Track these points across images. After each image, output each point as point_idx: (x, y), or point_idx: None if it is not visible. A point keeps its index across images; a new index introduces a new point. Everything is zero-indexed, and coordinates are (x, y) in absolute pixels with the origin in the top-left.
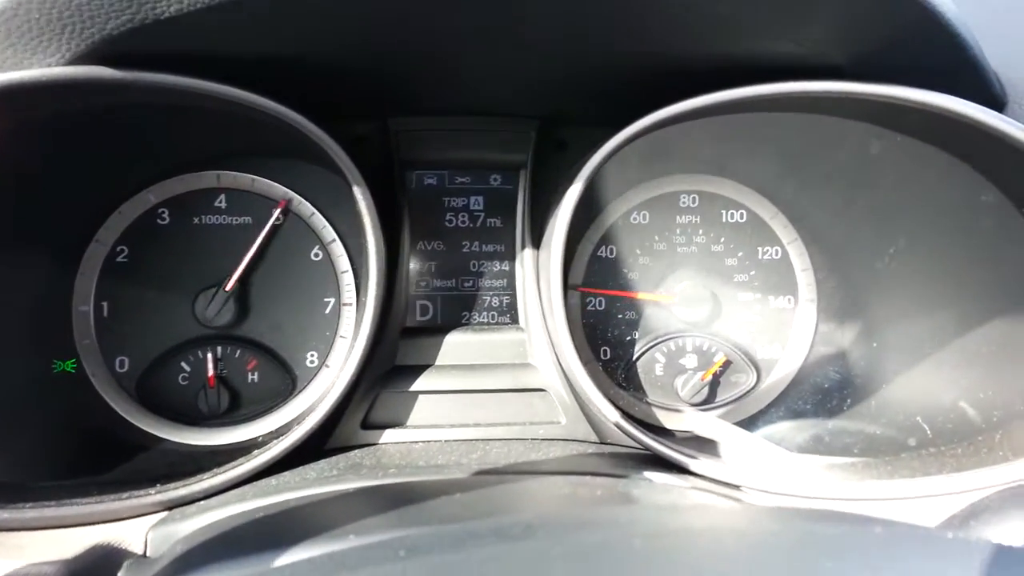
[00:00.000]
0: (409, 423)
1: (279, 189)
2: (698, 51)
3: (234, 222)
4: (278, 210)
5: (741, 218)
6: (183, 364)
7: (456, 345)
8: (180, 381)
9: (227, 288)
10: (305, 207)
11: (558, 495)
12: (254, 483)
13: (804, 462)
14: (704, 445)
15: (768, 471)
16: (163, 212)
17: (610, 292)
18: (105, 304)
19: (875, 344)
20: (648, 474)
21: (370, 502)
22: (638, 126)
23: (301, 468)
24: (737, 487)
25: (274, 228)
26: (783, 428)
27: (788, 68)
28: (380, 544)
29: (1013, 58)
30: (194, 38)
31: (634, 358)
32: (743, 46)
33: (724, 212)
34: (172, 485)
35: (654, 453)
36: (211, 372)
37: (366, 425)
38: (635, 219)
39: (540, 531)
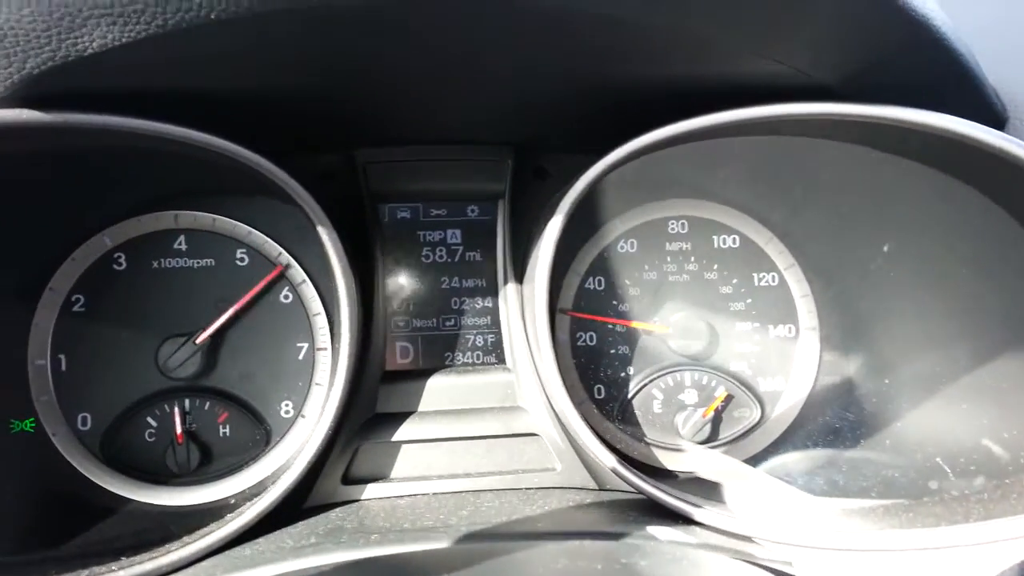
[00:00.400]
0: (393, 476)
1: (243, 228)
2: (675, 74)
3: (195, 265)
4: (273, 273)
5: (734, 243)
6: (149, 419)
7: (440, 389)
8: (147, 438)
9: (197, 341)
10: (271, 247)
11: (556, 570)
12: (227, 553)
13: (817, 506)
14: (709, 490)
15: (781, 519)
16: (119, 256)
17: (601, 319)
18: (63, 357)
19: (887, 380)
20: (653, 530)
21: None
22: (618, 154)
23: (277, 534)
24: (748, 538)
25: (266, 287)
26: (792, 468)
27: (774, 89)
28: None
29: (1012, 74)
30: (124, 75)
31: (630, 395)
32: (721, 68)
33: (716, 238)
34: (138, 558)
35: (656, 501)
36: (179, 428)
37: (347, 480)
38: (623, 248)
39: None
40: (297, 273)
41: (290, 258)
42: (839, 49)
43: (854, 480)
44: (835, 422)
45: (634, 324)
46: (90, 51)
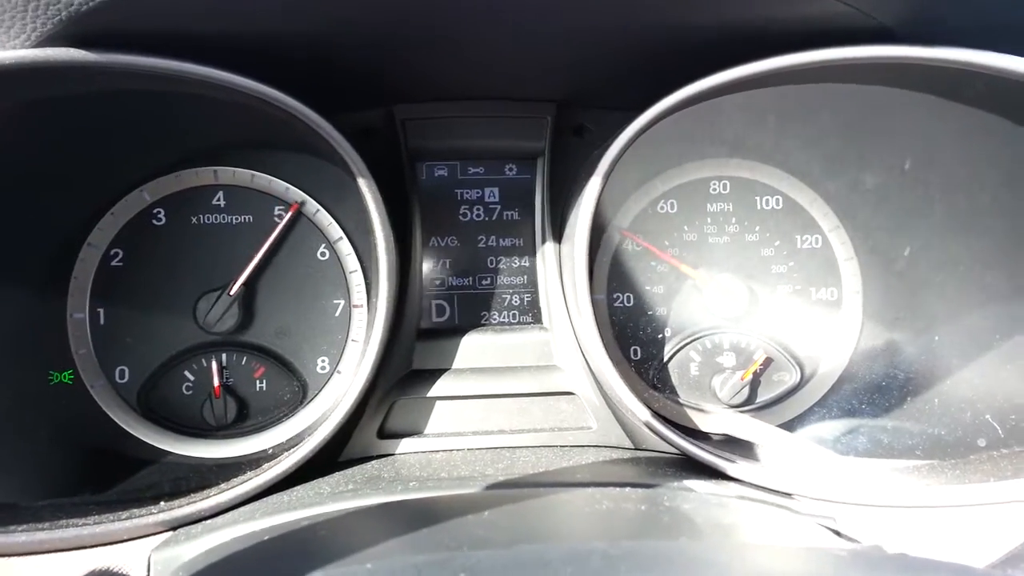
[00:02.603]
0: (428, 431)
1: (280, 185)
2: (726, 19)
3: (234, 221)
4: (290, 212)
5: (777, 204)
6: (186, 373)
7: (476, 347)
8: (184, 391)
9: (231, 292)
10: (309, 204)
11: (601, 511)
12: (264, 499)
13: (860, 465)
14: (747, 449)
15: (822, 476)
16: (159, 212)
17: (657, 250)
18: (101, 311)
19: (936, 337)
20: (690, 483)
21: (394, 519)
22: (663, 105)
23: (314, 482)
24: (788, 495)
25: (284, 230)
26: (834, 429)
27: (829, 32)
28: (434, 563)
29: None
30: (174, 14)
31: (667, 357)
32: (776, 11)
33: (758, 199)
34: (176, 503)
35: (694, 459)
36: (216, 381)
37: (383, 434)
38: (662, 208)
39: (622, 566)
40: (334, 230)
41: (308, 198)
42: None
43: (900, 439)
44: (881, 381)
45: (683, 268)
46: None
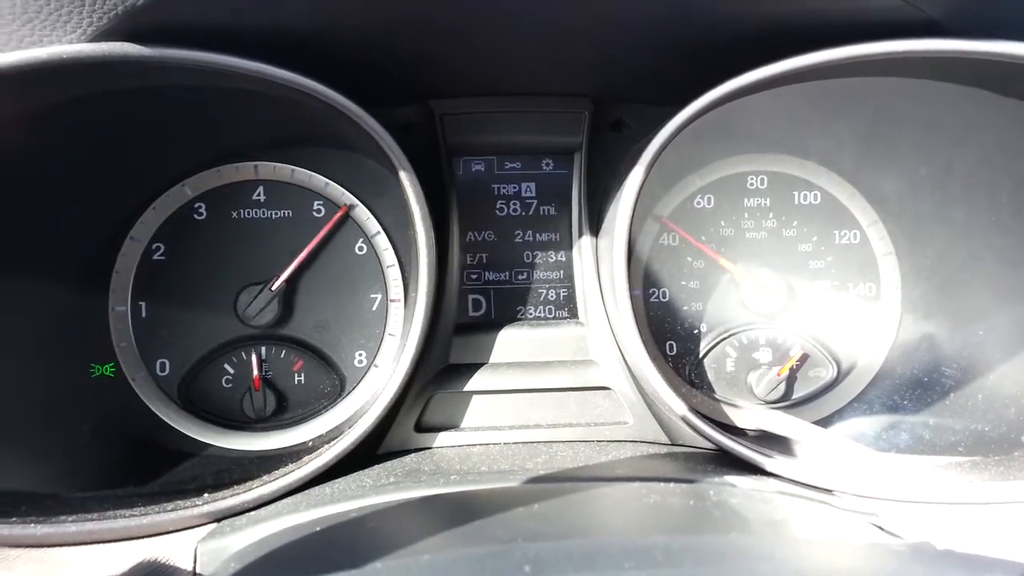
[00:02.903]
0: (465, 425)
1: (320, 180)
2: (769, 11)
3: (273, 216)
4: (338, 213)
5: (815, 199)
6: (226, 366)
7: (512, 341)
8: (224, 384)
9: (273, 288)
10: (347, 198)
11: (649, 505)
12: (307, 491)
13: (901, 462)
14: (784, 445)
15: (862, 473)
16: (200, 206)
17: (694, 240)
18: (143, 304)
19: (980, 332)
20: (731, 478)
21: (442, 512)
22: (707, 99)
23: (356, 474)
24: (829, 491)
25: (331, 231)
26: (873, 425)
27: (870, 25)
28: (495, 555)
29: None
30: (228, 10)
31: (703, 353)
32: (823, 2)
33: (796, 194)
34: (221, 495)
35: (732, 454)
36: (256, 374)
37: (420, 428)
38: (699, 203)
39: (685, 560)
40: (372, 224)
41: (355, 199)
42: None
43: (942, 435)
44: (920, 376)
45: (722, 262)
46: None
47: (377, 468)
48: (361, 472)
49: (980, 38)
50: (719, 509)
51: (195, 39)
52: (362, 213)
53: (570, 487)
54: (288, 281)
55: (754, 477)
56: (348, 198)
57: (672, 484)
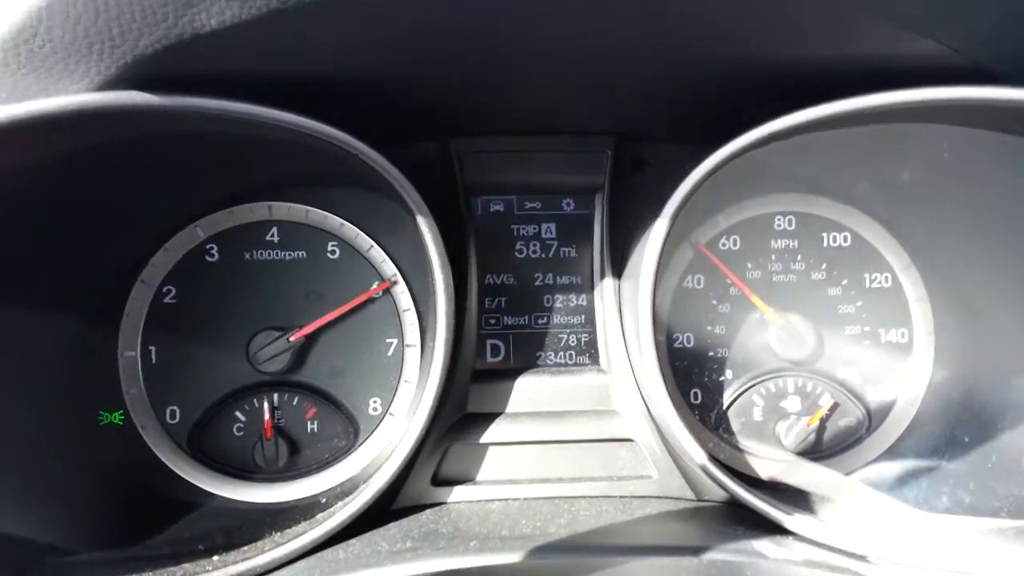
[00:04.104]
0: (483, 478)
1: (335, 220)
2: (805, 55)
3: (287, 257)
4: (380, 288)
5: (845, 241)
6: (237, 413)
7: (532, 389)
8: (235, 432)
9: (291, 339)
10: (363, 240)
11: None
12: (320, 554)
13: (939, 525)
14: (817, 503)
15: (899, 537)
16: (212, 248)
17: (730, 273)
18: (153, 349)
19: (1021, 384)
20: (761, 546)
21: None
22: (734, 147)
23: (369, 535)
24: (863, 558)
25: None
26: (907, 483)
27: (909, 71)
28: None
29: None
30: (238, 56)
31: (729, 401)
32: (865, 48)
33: (825, 235)
34: (230, 558)
35: (764, 515)
36: (268, 420)
37: (437, 481)
38: (724, 245)
39: None
40: (387, 267)
41: (397, 273)
42: (1010, 26)
43: (983, 499)
44: (955, 432)
45: (756, 300)
46: (208, 28)
47: (392, 527)
48: (375, 532)
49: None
50: None
51: (204, 86)
52: (377, 255)
53: (597, 563)
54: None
55: (785, 542)
56: (368, 242)
57: (707, 559)
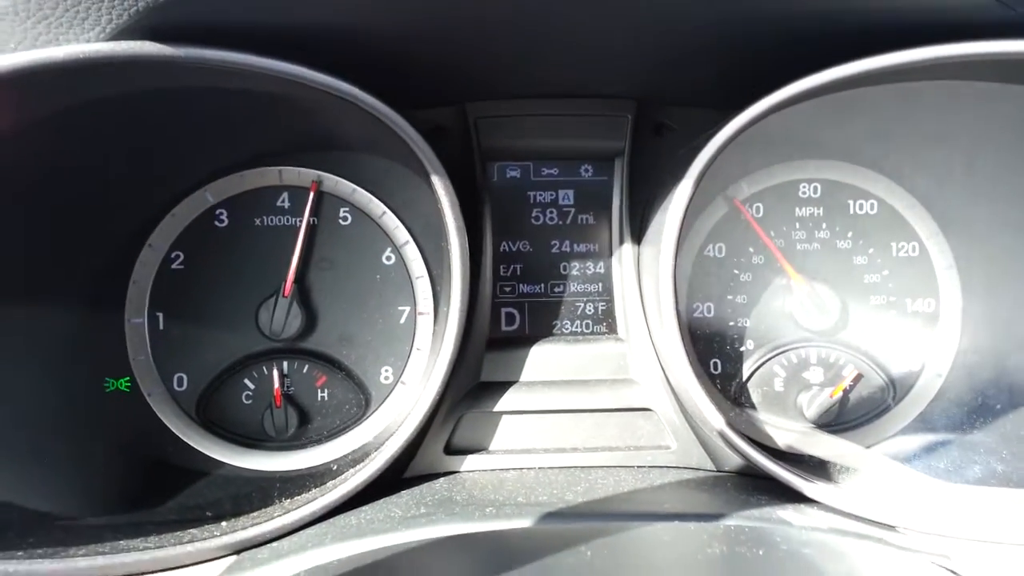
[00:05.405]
0: (497, 447)
1: (347, 186)
2: (838, 8)
3: (298, 223)
4: (312, 193)
5: (871, 209)
6: (246, 381)
7: (547, 358)
8: (244, 400)
9: (285, 294)
10: (375, 205)
11: (714, 557)
12: (332, 520)
13: (970, 496)
14: (842, 474)
15: (929, 507)
16: (221, 213)
17: (765, 238)
18: (160, 315)
19: None
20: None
21: (478, 555)
22: (765, 105)
23: (383, 502)
24: (891, 527)
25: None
26: (937, 453)
27: (946, 25)
28: None
29: None
30: (254, 6)
31: (750, 372)
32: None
33: (851, 203)
34: (239, 523)
35: (786, 484)
36: (278, 388)
37: (449, 450)
38: (748, 212)
39: None
40: (400, 233)
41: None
42: None
43: (1018, 467)
44: (985, 400)
45: (787, 267)
46: None
47: (406, 495)
48: (388, 499)
49: None
50: (792, 560)
51: (219, 38)
52: (391, 221)
53: (618, 527)
54: (311, 291)
55: (815, 510)
56: (380, 208)
57: (733, 525)
